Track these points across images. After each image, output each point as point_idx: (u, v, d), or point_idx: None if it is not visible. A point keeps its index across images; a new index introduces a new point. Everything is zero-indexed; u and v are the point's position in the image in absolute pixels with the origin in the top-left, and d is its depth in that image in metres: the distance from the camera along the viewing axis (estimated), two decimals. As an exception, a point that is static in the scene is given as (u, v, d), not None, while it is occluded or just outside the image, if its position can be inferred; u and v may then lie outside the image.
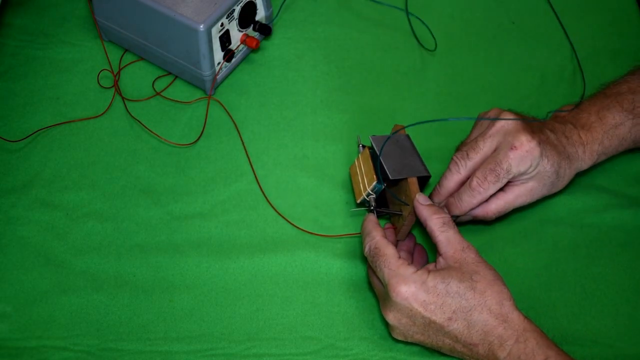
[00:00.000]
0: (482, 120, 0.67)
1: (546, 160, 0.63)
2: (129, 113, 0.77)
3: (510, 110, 0.66)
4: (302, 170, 0.74)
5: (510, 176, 0.63)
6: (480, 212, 0.66)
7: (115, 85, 0.79)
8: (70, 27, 0.84)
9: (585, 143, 0.67)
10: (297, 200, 0.72)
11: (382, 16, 0.87)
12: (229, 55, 0.77)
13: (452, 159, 0.66)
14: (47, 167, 0.73)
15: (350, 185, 0.71)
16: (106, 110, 0.78)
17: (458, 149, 0.67)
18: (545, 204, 0.72)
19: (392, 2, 0.88)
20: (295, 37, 0.85)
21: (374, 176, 0.66)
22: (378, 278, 0.61)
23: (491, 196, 0.65)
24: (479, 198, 0.64)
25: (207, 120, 0.76)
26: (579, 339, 0.64)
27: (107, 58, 0.81)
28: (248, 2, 0.76)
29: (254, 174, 0.73)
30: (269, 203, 0.71)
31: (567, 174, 0.66)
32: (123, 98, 0.78)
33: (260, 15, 0.80)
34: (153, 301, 0.65)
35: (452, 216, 0.66)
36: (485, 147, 0.64)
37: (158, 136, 0.75)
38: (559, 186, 0.67)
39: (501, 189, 0.65)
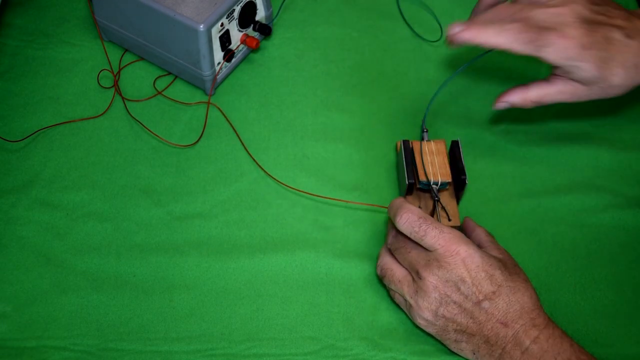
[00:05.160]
0: None
1: (589, 66, 0.60)
2: (129, 113, 0.77)
3: None
4: (302, 170, 0.74)
5: (538, 55, 0.60)
6: (518, 98, 0.64)
7: (115, 85, 0.79)
8: (70, 27, 0.84)
9: None
10: (297, 200, 0.72)
11: (382, 16, 0.87)
12: (229, 55, 0.77)
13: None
14: (47, 167, 0.73)
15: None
16: (106, 110, 0.78)
17: None
18: (545, 204, 0.72)
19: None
20: (295, 37, 0.85)
21: (447, 170, 0.67)
22: (400, 261, 0.61)
23: (532, 83, 0.64)
24: (485, 33, 0.61)
25: (207, 121, 0.76)
26: (579, 339, 0.64)
27: (107, 58, 0.81)
28: (248, 2, 0.76)
29: (256, 163, 0.73)
30: (277, 180, 0.71)
31: (625, 85, 0.62)
32: (123, 98, 0.78)
33: (260, 15, 0.80)
34: (153, 301, 0.65)
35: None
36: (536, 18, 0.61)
37: (158, 136, 0.75)
38: (613, 93, 0.63)
39: (545, 79, 0.64)
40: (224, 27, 0.75)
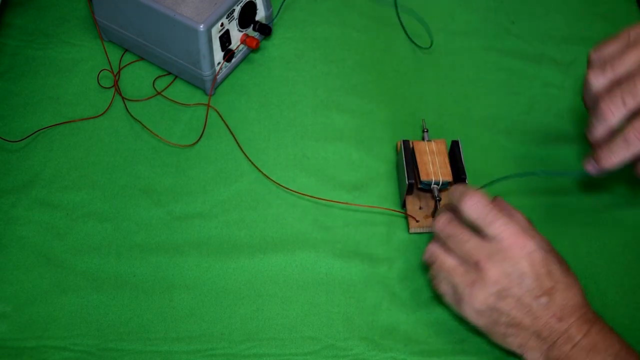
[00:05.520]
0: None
1: None
2: (129, 113, 0.77)
3: None
4: (302, 170, 0.74)
5: None
6: None
7: (115, 85, 0.79)
8: (70, 27, 0.84)
9: None
10: (297, 200, 0.72)
11: (382, 16, 0.87)
12: (229, 55, 0.77)
13: (601, 102, 0.56)
14: (47, 167, 0.73)
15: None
16: (106, 110, 0.78)
17: (604, 75, 0.57)
18: (546, 204, 0.72)
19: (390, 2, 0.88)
20: (295, 37, 0.85)
21: (448, 170, 0.67)
22: (456, 250, 0.59)
23: None
24: (634, 150, 0.55)
25: (207, 121, 0.76)
26: (579, 339, 0.64)
27: (107, 58, 0.81)
28: (248, 2, 0.76)
29: (255, 166, 0.73)
30: (277, 183, 0.71)
31: None
32: (123, 98, 0.78)
33: (260, 15, 0.80)
34: (153, 301, 0.65)
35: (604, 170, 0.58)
36: None
37: (158, 136, 0.75)
38: None
39: None
40: (224, 27, 0.75)
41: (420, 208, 0.70)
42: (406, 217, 0.70)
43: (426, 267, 0.67)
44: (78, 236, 0.69)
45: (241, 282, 0.66)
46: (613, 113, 0.56)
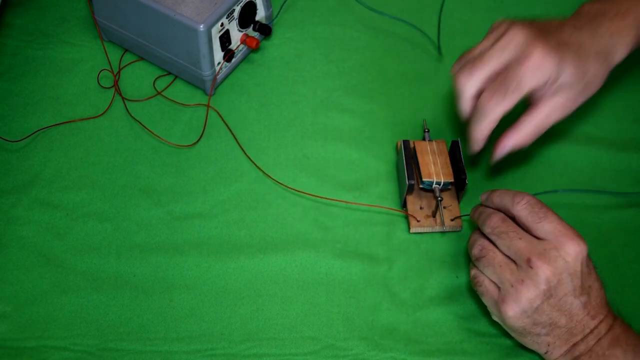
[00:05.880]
0: (490, 35, 0.62)
1: (567, 68, 0.58)
2: (129, 113, 0.77)
3: (522, 20, 0.61)
4: (302, 170, 0.74)
5: (525, 90, 0.58)
6: (516, 139, 0.61)
7: (115, 85, 0.79)
8: (70, 27, 0.84)
9: (616, 32, 0.60)
10: (297, 200, 0.72)
11: (382, 16, 0.87)
12: (229, 55, 0.77)
13: (456, 79, 0.61)
14: (47, 167, 0.73)
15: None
16: (106, 110, 0.78)
17: (459, 63, 0.63)
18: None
19: (395, 10, 0.88)
20: (295, 37, 0.85)
21: (450, 170, 0.68)
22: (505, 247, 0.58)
23: (521, 119, 0.61)
24: (489, 118, 0.59)
25: (207, 121, 0.76)
26: (579, 339, 0.64)
27: (107, 58, 0.81)
28: (248, 2, 0.76)
29: (255, 164, 0.73)
30: (278, 182, 0.71)
31: (600, 73, 0.60)
32: (123, 98, 0.78)
33: (260, 15, 0.80)
34: (153, 301, 0.65)
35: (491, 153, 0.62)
36: (492, 61, 0.60)
37: (158, 136, 0.75)
38: (594, 88, 0.61)
39: (530, 109, 0.61)
40: (224, 27, 0.75)
41: (421, 208, 0.70)
42: (407, 216, 0.70)
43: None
44: (78, 236, 0.69)
45: (241, 282, 0.66)
46: (467, 82, 0.61)
